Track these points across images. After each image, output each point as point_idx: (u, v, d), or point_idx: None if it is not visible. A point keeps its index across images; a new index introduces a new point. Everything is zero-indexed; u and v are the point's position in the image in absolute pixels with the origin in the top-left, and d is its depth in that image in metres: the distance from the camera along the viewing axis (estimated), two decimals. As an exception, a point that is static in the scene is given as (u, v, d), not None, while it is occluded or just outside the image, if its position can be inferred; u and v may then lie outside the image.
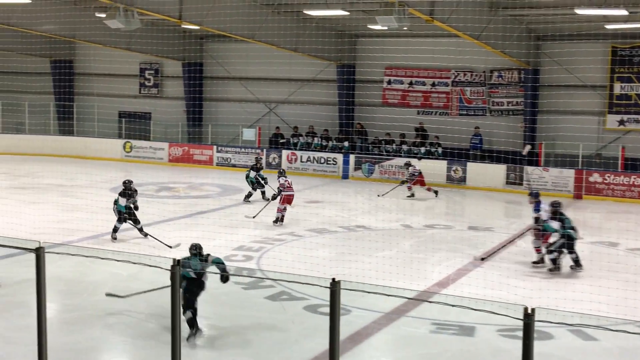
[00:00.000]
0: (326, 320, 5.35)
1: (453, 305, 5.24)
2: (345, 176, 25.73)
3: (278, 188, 17.01)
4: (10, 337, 8.90)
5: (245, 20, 21.68)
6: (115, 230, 14.78)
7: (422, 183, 21.56)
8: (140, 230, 14.87)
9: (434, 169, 23.89)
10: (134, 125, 30.01)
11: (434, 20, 17.72)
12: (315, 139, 27.30)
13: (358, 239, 15.10)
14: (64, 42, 29.47)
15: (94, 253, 5.89)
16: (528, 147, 15.94)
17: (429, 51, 24.43)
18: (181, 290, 7.86)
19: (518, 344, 4.98)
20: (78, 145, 29.89)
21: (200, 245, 9.45)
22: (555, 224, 13.04)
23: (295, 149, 27.05)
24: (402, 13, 16.80)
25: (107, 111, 31.08)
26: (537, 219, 13.55)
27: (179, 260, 5.42)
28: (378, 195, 21.78)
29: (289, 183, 16.81)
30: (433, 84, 26.61)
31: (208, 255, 9.29)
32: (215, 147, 28.08)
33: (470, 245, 14.86)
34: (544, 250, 13.23)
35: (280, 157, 26.92)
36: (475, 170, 24.07)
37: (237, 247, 14.05)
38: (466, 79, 26.09)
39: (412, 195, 21.39)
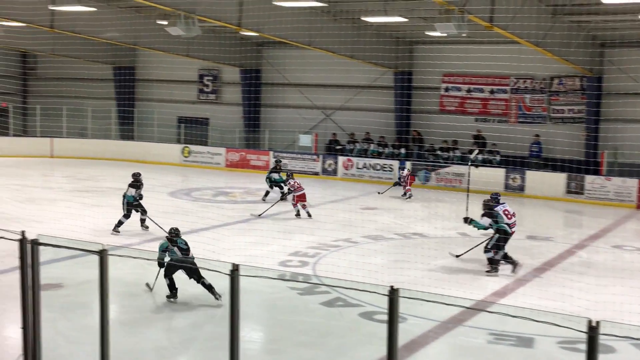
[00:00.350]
0: (382, 327, 5.32)
1: (513, 316, 5.14)
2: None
3: (288, 189, 18.65)
4: (73, 336, 9.11)
5: (304, 27, 21.79)
6: (120, 224, 15.37)
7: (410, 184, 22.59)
8: (144, 221, 15.68)
9: (493, 176, 23.58)
10: (193, 131, 30.46)
11: (494, 27, 17.51)
12: (372, 145, 27.23)
13: (414, 247, 15.00)
14: (126, 49, 30.14)
15: (155, 256, 5.98)
16: (475, 152, 15.64)
17: (488, 58, 24.11)
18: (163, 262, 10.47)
19: (578, 357, 4.87)
20: (138, 149, 30.46)
21: (178, 229, 10.78)
22: (485, 221, 12.79)
23: (352, 156, 27.05)
24: (462, 20, 16.65)
25: (167, 117, 31.62)
26: (465, 219, 13.34)
27: (237, 265, 5.45)
28: (378, 193, 22.70)
29: (298, 184, 18.35)
30: (491, 91, 26.29)
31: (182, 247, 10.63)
32: (271, 152, 28.27)
33: (528, 254, 14.58)
34: (499, 255, 12.93)
35: (336, 163, 26.95)
36: (535, 178, 23.66)
37: (293, 253, 14.09)
38: (526, 86, 25.70)
39: (406, 194, 22.10)
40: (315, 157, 27.42)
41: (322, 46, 23.53)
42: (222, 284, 10.08)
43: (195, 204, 19.97)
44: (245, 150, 29.10)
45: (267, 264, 12.55)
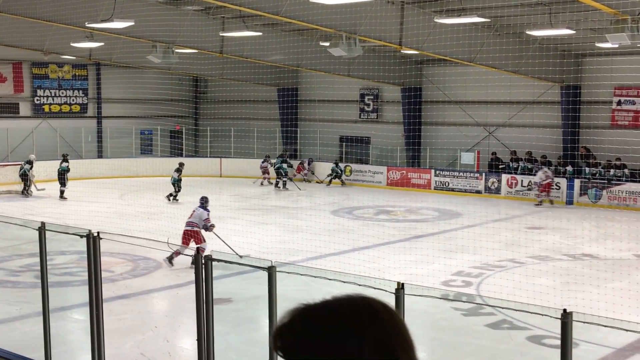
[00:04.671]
0: (552, 352, 5.10)
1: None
2: (569, 202, 24.48)
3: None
4: (243, 350, 9.44)
5: (465, 43, 21.50)
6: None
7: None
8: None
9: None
10: (354, 149, 30.82)
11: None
12: (536, 164, 26.22)
13: (584, 268, 14.28)
14: (290, 71, 31.09)
15: (320, 273, 6.07)
16: None
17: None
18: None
19: None
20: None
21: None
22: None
23: (516, 174, 26.23)
24: (636, 29, 15.75)
25: (328, 136, 32.22)
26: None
27: (402, 284, 5.40)
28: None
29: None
30: (669, 104, 24.60)
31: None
32: (433, 170, 28.04)
33: None
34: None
35: (499, 181, 26.26)
36: None
37: (456, 272, 13.85)
38: None
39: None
40: (477, 175, 26.87)
41: (484, 62, 23.08)
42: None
43: (357, 222, 20.16)
44: (406, 168, 29.05)
45: (429, 283, 12.41)
